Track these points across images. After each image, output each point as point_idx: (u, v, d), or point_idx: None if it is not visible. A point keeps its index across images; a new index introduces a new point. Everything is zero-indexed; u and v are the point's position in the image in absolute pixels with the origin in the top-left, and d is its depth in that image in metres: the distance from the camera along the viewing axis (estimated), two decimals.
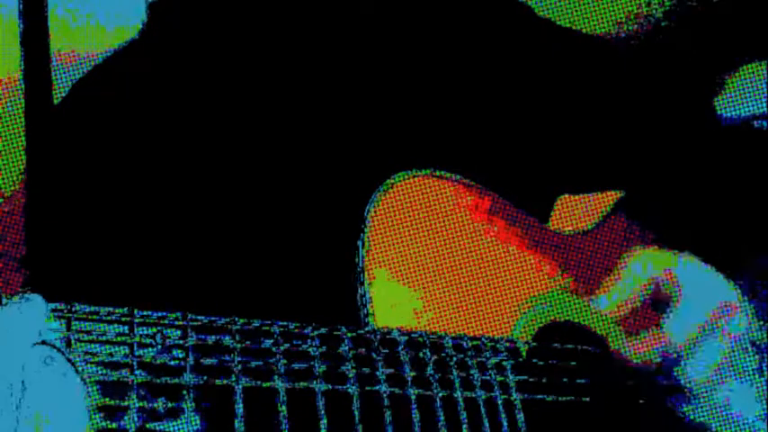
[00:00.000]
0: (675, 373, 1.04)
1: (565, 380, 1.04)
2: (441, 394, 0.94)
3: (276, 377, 0.86)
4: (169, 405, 0.81)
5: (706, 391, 1.03)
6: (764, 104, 1.41)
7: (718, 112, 1.37)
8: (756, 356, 1.05)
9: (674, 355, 1.04)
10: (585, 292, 1.14)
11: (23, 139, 1.22)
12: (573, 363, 1.06)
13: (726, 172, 1.25)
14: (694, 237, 1.20)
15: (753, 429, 1.03)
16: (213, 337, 0.85)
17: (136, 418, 0.80)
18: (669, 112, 1.30)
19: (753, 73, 1.42)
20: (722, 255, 1.15)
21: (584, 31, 1.38)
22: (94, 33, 1.34)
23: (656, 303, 1.07)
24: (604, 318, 1.13)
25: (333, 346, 0.90)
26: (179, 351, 0.84)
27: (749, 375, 1.04)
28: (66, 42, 1.29)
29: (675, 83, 1.35)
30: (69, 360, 0.77)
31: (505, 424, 0.96)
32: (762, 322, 1.06)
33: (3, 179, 1.25)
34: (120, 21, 1.34)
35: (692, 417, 1.04)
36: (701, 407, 1.03)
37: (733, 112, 1.37)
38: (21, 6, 1.22)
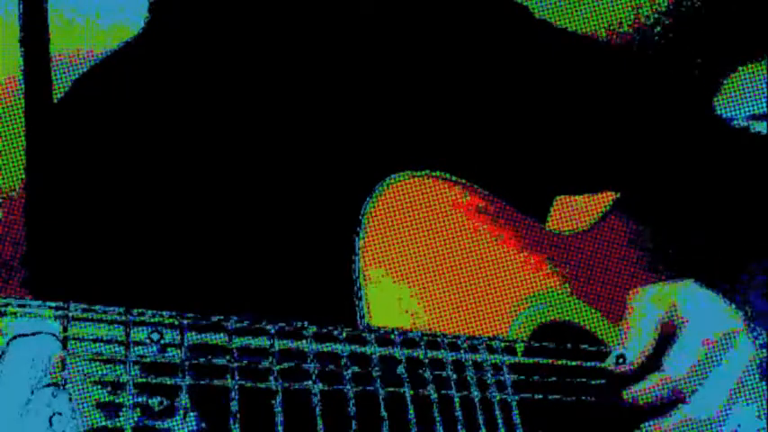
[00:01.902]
0: (685, 408, 1.03)
1: (561, 379, 1.04)
2: (437, 394, 0.94)
3: (272, 376, 0.86)
4: (165, 403, 0.82)
5: (717, 422, 1.03)
6: (765, 104, 1.41)
7: (718, 112, 1.37)
8: (763, 380, 1.04)
9: (682, 392, 1.03)
10: (584, 292, 1.14)
11: (23, 138, 1.22)
12: (570, 363, 1.06)
13: (725, 172, 1.25)
14: (693, 238, 1.20)
15: None
16: (209, 335, 0.85)
17: (132, 417, 0.80)
18: (668, 112, 1.30)
19: (752, 73, 1.42)
20: (722, 258, 1.15)
21: (583, 31, 1.38)
22: (94, 33, 1.34)
23: (663, 340, 1.06)
24: (604, 319, 1.14)
25: (329, 346, 0.90)
26: (175, 350, 0.84)
27: (758, 400, 1.04)
28: (66, 42, 1.29)
29: (675, 83, 1.35)
30: (70, 399, 0.78)
31: (501, 423, 0.96)
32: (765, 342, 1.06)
33: (3, 179, 1.26)
34: (120, 21, 1.34)
35: None
36: None
37: (733, 112, 1.37)
38: (21, 6, 1.22)
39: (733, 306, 1.05)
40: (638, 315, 1.05)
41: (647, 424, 1.03)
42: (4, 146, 1.24)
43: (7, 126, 1.24)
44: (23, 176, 1.21)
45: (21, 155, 1.22)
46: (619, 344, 1.05)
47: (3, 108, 1.24)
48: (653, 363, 1.04)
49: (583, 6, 1.53)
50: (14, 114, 1.24)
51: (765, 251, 1.16)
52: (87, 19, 1.33)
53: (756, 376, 1.03)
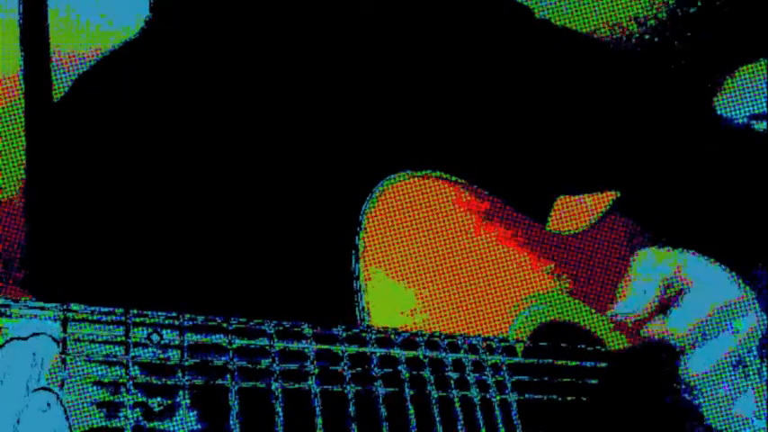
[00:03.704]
0: (677, 364, 1.04)
1: (561, 379, 1.04)
2: (436, 394, 0.94)
3: (272, 377, 0.86)
4: (165, 404, 0.82)
5: (708, 386, 1.03)
6: (764, 104, 1.41)
7: (718, 112, 1.37)
8: (763, 356, 1.04)
9: (677, 347, 1.04)
10: (584, 292, 1.14)
11: (23, 139, 1.22)
12: (570, 363, 1.06)
13: (725, 173, 1.25)
14: (694, 237, 1.20)
15: (753, 429, 1.03)
16: (209, 336, 0.85)
17: (132, 417, 0.80)
18: (669, 112, 1.30)
19: (752, 73, 1.42)
20: (723, 255, 1.15)
21: (583, 32, 1.38)
22: (94, 33, 1.34)
23: (666, 299, 1.06)
24: (604, 319, 1.14)
25: (329, 346, 0.90)
26: (175, 350, 0.84)
27: (754, 374, 1.04)
28: (66, 42, 1.29)
29: (675, 83, 1.35)
30: (64, 409, 0.78)
31: (501, 424, 0.96)
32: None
33: (3, 179, 1.26)
34: (121, 20, 1.35)
35: (689, 406, 1.03)
36: (702, 400, 1.03)
37: (733, 112, 1.37)
38: (21, 6, 1.22)
39: (739, 278, 1.06)
40: (643, 272, 1.06)
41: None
42: (4, 146, 1.24)
43: (7, 126, 1.24)
44: (23, 176, 1.21)
45: (21, 155, 1.23)
46: (621, 298, 1.05)
47: (3, 108, 1.24)
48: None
49: (583, 6, 1.53)
50: (14, 114, 1.24)
51: (766, 250, 1.16)
52: (87, 19, 1.33)
53: (756, 352, 1.04)
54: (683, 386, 1.03)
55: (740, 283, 1.06)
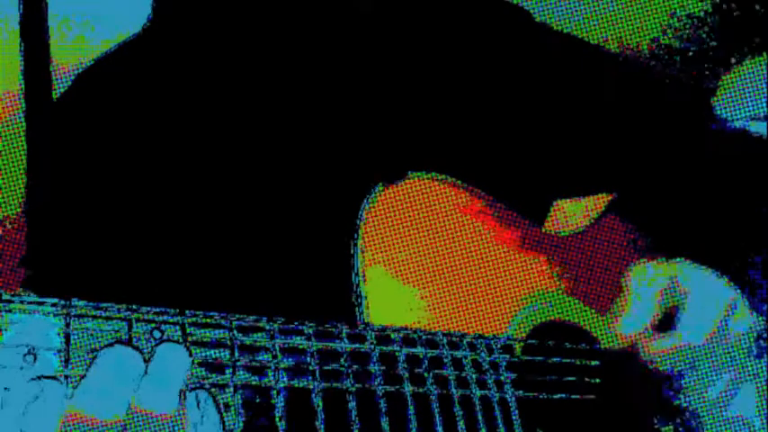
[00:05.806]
0: (691, 377, 1.04)
1: (559, 378, 1.04)
2: (436, 392, 0.94)
3: (272, 373, 0.86)
4: None
5: (703, 388, 1.03)
6: (764, 104, 1.41)
7: (717, 112, 1.37)
8: (761, 355, 1.05)
9: (693, 360, 1.04)
10: (582, 292, 1.14)
11: (23, 139, 1.22)
12: (568, 361, 1.06)
13: (723, 173, 1.25)
14: (691, 238, 1.20)
15: (753, 428, 1.03)
16: (210, 333, 0.86)
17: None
18: (666, 114, 1.31)
19: (752, 72, 1.42)
20: (718, 256, 1.15)
21: (582, 34, 1.39)
22: (94, 34, 1.34)
23: (667, 311, 1.07)
24: (601, 319, 1.14)
25: (329, 344, 0.91)
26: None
27: (750, 374, 1.04)
28: (66, 44, 1.29)
29: (673, 84, 1.35)
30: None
31: (500, 422, 0.97)
32: (760, 318, 1.07)
33: (3, 179, 1.26)
34: (121, 21, 1.35)
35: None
36: (698, 403, 1.03)
37: (732, 113, 1.37)
38: (21, 8, 1.22)
39: (729, 281, 1.07)
40: (640, 286, 1.06)
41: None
42: (4, 146, 1.24)
43: (7, 126, 1.24)
44: (24, 177, 1.21)
45: (21, 155, 1.23)
46: (622, 314, 1.06)
47: (3, 108, 1.24)
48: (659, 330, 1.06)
49: (581, 8, 1.54)
50: (14, 115, 1.24)
51: (761, 249, 1.16)
52: (87, 19, 1.33)
53: (753, 350, 1.04)
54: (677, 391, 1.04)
55: (730, 284, 1.06)
